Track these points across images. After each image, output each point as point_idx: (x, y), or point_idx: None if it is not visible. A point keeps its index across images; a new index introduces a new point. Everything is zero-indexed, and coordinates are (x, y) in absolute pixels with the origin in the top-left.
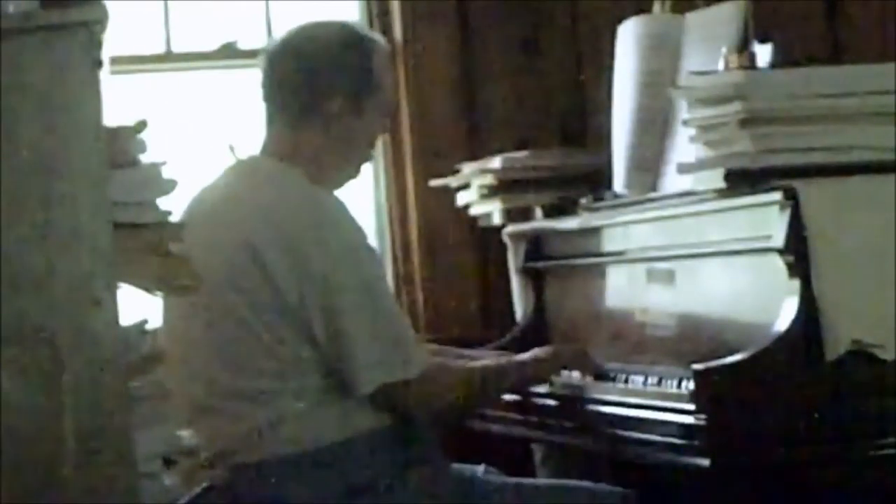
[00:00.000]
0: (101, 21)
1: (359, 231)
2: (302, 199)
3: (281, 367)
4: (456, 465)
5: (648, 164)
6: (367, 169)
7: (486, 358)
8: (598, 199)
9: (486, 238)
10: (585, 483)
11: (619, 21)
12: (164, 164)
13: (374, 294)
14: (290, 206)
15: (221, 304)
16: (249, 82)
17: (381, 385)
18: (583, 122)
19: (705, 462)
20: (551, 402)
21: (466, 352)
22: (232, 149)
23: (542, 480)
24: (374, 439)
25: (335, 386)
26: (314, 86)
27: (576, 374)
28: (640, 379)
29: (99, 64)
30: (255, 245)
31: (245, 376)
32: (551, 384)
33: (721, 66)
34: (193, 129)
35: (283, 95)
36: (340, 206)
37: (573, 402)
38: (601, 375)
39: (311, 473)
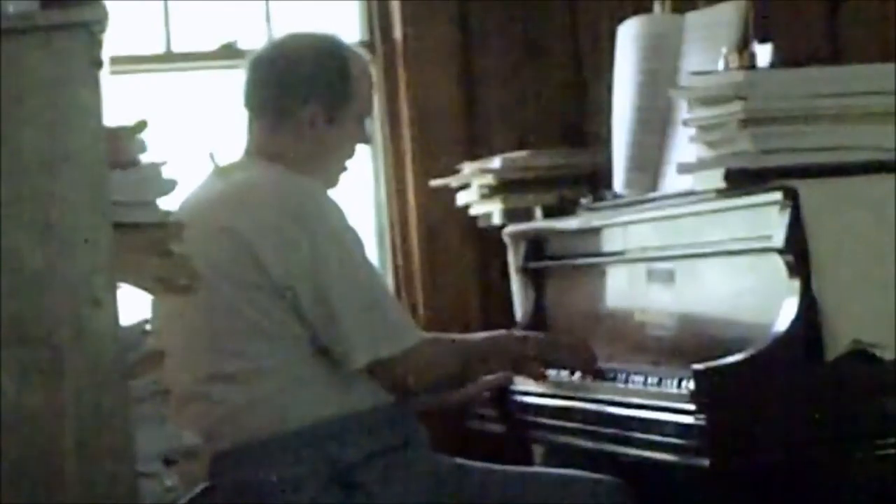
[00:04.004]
0: (101, 21)
1: (339, 211)
2: (282, 182)
3: (268, 345)
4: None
5: (648, 164)
6: (367, 169)
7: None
8: (598, 199)
9: (486, 238)
10: (580, 472)
11: (619, 21)
12: (164, 164)
13: (360, 270)
14: (270, 188)
15: (206, 290)
16: None
17: (373, 360)
18: (583, 122)
19: (705, 462)
20: (551, 402)
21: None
22: (212, 156)
23: (538, 469)
24: (356, 421)
25: (323, 364)
26: (288, 93)
27: (576, 375)
28: (640, 379)
29: (99, 64)
30: (236, 228)
31: (226, 358)
32: (545, 381)
33: (721, 66)
34: (194, 129)
35: (259, 101)
36: (320, 189)
37: (573, 401)
38: (601, 375)
39: (293, 455)
